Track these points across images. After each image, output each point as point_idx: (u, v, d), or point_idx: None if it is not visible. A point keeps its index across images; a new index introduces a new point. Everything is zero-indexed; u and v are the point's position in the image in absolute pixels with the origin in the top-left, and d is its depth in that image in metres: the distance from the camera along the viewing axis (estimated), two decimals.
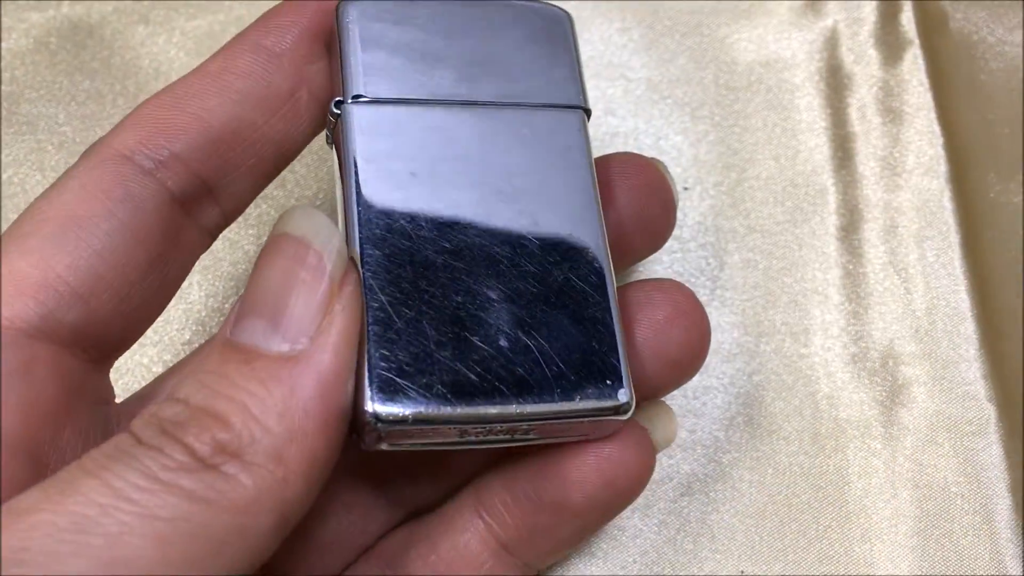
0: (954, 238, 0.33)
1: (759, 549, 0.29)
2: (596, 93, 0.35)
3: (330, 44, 0.23)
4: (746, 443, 0.30)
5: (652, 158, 0.26)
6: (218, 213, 0.23)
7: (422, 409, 0.20)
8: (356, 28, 0.23)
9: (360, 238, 0.21)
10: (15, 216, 0.22)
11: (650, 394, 0.24)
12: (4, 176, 0.32)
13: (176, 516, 0.16)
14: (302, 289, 0.19)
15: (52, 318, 0.20)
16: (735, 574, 0.29)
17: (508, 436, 0.21)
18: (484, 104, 0.23)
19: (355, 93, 0.22)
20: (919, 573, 0.29)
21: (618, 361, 0.22)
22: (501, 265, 0.22)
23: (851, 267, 0.33)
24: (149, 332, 0.26)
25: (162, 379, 0.25)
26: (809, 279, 0.33)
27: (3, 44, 0.34)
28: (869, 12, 0.36)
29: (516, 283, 0.22)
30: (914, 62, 0.36)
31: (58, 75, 0.34)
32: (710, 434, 0.31)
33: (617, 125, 0.35)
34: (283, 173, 0.25)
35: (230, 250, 0.32)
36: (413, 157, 0.22)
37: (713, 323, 0.31)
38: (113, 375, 0.23)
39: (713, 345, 0.28)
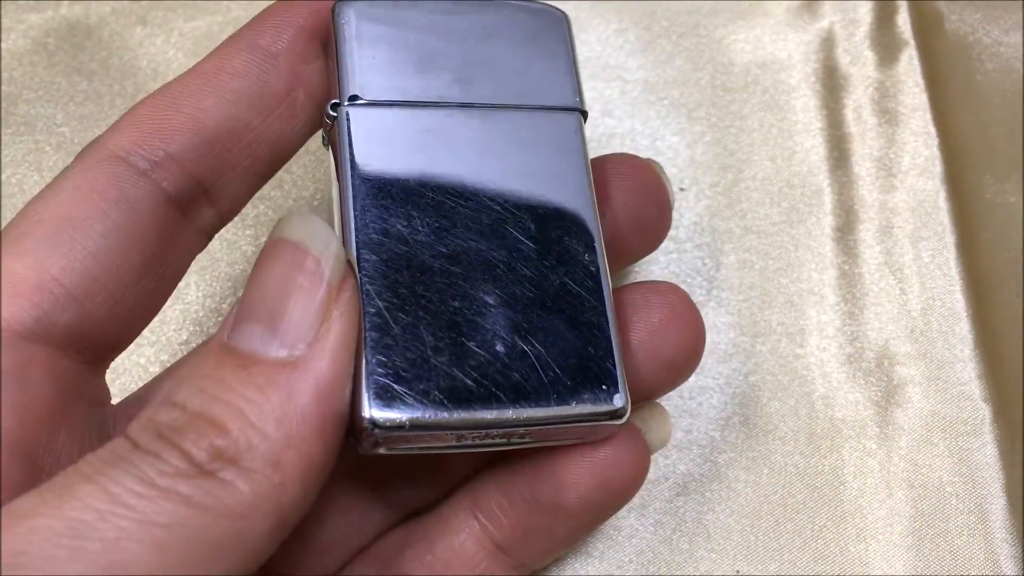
0: (949, 239, 0.33)
1: (755, 549, 0.29)
2: (593, 94, 0.35)
3: (326, 45, 0.23)
4: (742, 443, 0.31)
5: (648, 159, 0.26)
6: (214, 213, 0.23)
7: (419, 415, 0.20)
8: (352, 29, 0.23)
9: (356, 243, 0.21)
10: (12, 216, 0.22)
11: (645, 396, 0.24)
12: (2, 177, 0.32)
13: (173, 522, 0.16)
14: (300, 295, 0.19)
15: (47, 320, 0.20)
16: (731, 574, 0.29)
17: (504, 440, 0.21)
18: (480, 106, 0.23)
19: (351, 96, 0.22)
20: (914, 573, 0.29)
21: (614, 366, 0.22)
22: (497, 269, 0.22)
23: (847, 267, 0.33)
24: (146, 332, 0.26)
25: (159, 380, 0.25)
26: (805, 279, 0.33)
27: (2, 45, 0.34)
28: (865, 13, 0.36)
29: (512, 287, 0.22)
30: (910, 63, 0.36)
31: (56, 76, 0.34)
32: (706, 434, 0.31)
33: (614, 126, 0.35)
34: (280, 174, 0.25)
35: (227, 250, 0.32)
36: (409, 160, 0.22)
37: (709, 323, 0.31)
38: (110, 375, 0.23)
39: (709, 345, 0.28)
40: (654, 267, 0.33)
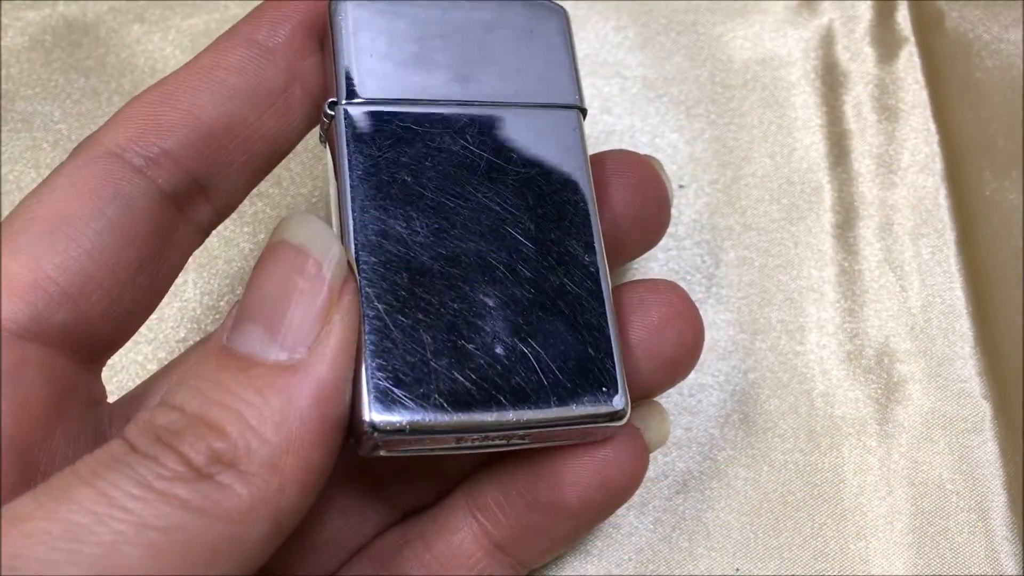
0: (949, 235, 0.33)
1: (754, 547, 0.29)
2: (592, 91, 0.35)
3: (323, 41, 0.23)
4: (741, 440, 0.30)
5: (647, 155, 0.26)
6: (210, 210, 0.23)
7: (419, 418, 0.20)
8: (349, 27, 0.23)
9: (355, 244, 0.21)
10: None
11: (644, 394, 0.24)
12: (0, 174, 0.32)
13: (170, 525, 0.16)
14: (300, 298, 0.19)
15: (42, 318, 0.20)
16: (730, 572, 0.29)
17: (504, 441, 0.21)
18: (479, 104, 0.23)
19: (348, 94, 0.22)
20: (914, 570, 0.29)
21: (613, 367, 0.22)
22: (497, 271, 0.22)
23: (847, 264, 0.33)
24: (144, 330, 0.26)
25: (155, 378, 0.25)
26: (805, 277, 0.33)
27: None
28: (865, 10, 0.36)
29: (512, 289, 0.21)
30: (910, 60, 0.36)
31: (53, 73, 0.34)
32: (705, 432, 0.31)
33: (613, 123, 0.35)
34: (278, 171, 0.25)
35: (225, 248, 0.32)
36: (407, 160, 0.22)
37: (708, 321, 0.31)
38: (107, 373, 0.23)
39: (708, 343, 0.28)
40: (653, 264, 0.33)
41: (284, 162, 0.24)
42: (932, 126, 0.35)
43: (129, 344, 0.23)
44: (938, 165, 0.34)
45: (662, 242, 0.28)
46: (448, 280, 0.21)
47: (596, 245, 0.23)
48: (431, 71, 0.23)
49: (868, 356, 0.32)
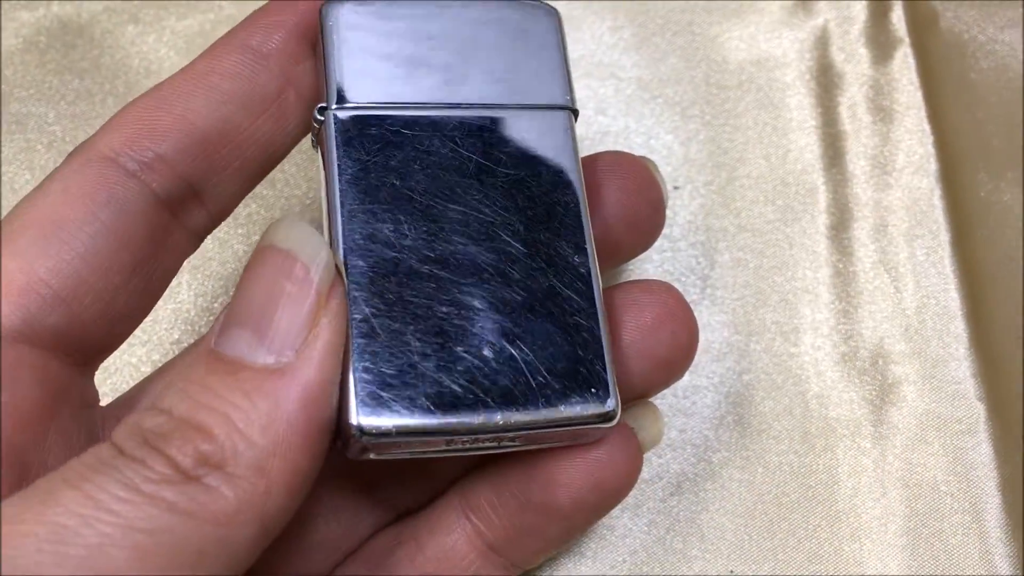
0: (944, 236, 0.33)
1: (748, 548, 0.29)
2: (587, 92, 0.35)
3: (315, 46, 0.23)
4: (736, 442, 0.30)
5: (642, 157, 0.26)
6: (205, 215, 0.23)
7: (406, 421, 0.20)
8: (339, 31, 0.23)
9: (344, 249, 0.21)
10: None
11: (638, 395, 0.24)
12: None
13: (157, 528, 0.16)
14: (288, 302, 0.19)
15: (34, 321, 0.20)
16: (724, 573, 0.29)
17: (495, 443, 0.21)
18: (469, 106, 0.23)
19: (337, 99, 0.22)
20: (908, 572, 0.29)
21: (604, 368, 0.21)
22: (486, 273, 0.21)
23: (841, 266, 0.33)
24: (138, 331, 0.26)
25: (149, 381, 0.25)
26: (799, 278, 0.33)
27: None
28: (860, 11, 0.36)
29: (501, 291, 0.21)
30: (904, 61, 0.36)
31: (48, 74, 0.34)
32: (700, 433, 0.31)
33: (608, 124, 0.35)
34: (272, 172, 0.25)
35: (219, 249, 0.32)
36: (396, 164, 0.22)
37: (703, 322, 0.31)
38: (101, 375, 0.23)
39: (703, 344, 0.28)
40: (648, 266, 0.33)
41: (278, 164, 0.24)
42: (927, 127, 0.35)
43: (123, 346, 0.23)
44: (933, 166, 0.34)
45: (657, 243, 0.28)
46: (436, 283, 0.21)
47: (587, 246, 0.23)
48: (422, 74, 0.23)
49: (862, 358, 0.32)
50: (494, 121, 0.23)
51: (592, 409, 0.21)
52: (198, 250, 0.24)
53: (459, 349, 0.21)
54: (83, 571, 0.15)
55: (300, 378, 0.18)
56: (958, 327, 0.32)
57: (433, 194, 0.22)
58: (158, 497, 0.16)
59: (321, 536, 0.24)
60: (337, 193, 0.21)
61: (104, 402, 0.23)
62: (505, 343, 0.21)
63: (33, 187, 0.21)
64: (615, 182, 0.25)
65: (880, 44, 0.36)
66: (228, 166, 0.23)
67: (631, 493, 0.24)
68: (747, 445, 0.30)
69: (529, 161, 0.23)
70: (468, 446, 0.21)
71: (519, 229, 0.22)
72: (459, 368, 0.20)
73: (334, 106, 0.22)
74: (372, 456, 0.20)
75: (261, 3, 0.24)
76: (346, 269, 0.21)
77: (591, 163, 0.25)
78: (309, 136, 0.24)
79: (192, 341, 0.31)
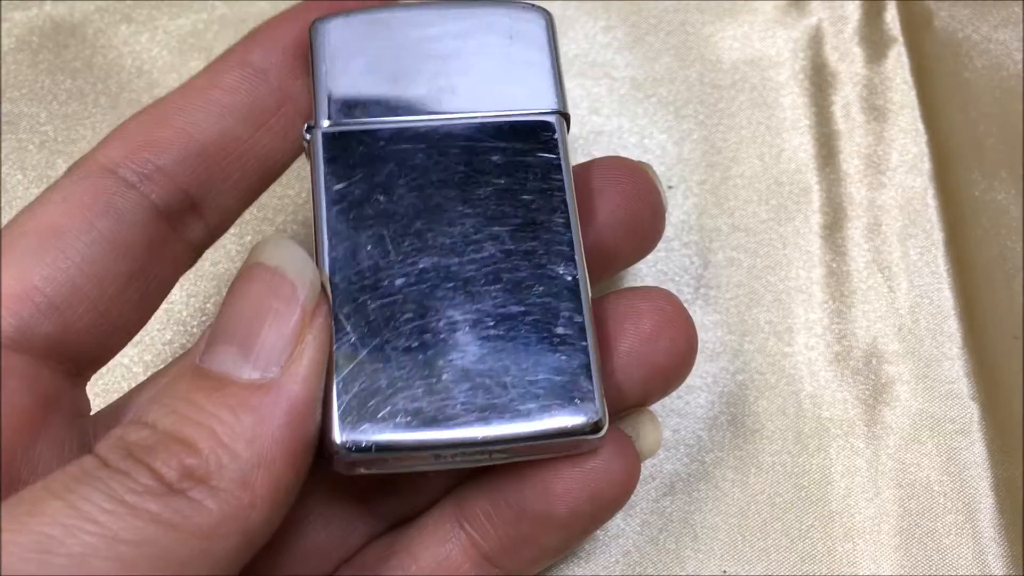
0: (938, 236, 0.33)
1: (742, 548, 0.29)
2: (580, 92, 0.35)
3: (306, 64, 0.24)
4: (729, 442, 0.30)
5: (641, 162, 0.26)
6: (203, 227, 0.23)
7: (387, 437, 0.20)
8: (327, 50, 0.23)
9: (328, 267, 0.21)
10: None
11: (637, 403, 0.24)
12: None
13: (141, 539, 0.16)
14: (275, 319, 0.19)
15: (27, 329, 0.20)
16: (718, 574, 0.29)
17: (486, 456, 0.21)
18: (457, 117, 0.23)
19: (324, 118, 0.22)
20: (902, 572, 0.29)
21: (589, 379, 0.21)
22: (471, 287, 0.21)
23: (835, 265, 0.33)
24: None
25: (139, 389, 0.25)
26: (793, 277, 0.33)
27: None
28: (853, 10, 0.36)
29: (486, 305, 0.21)
30: (898, 60, 0.36)
31: (40, 74, 0.34)
32: (693, 433, 0.31)
33: (601, 124, 0.35)
34: None
35: (212, 250, 0.32)
36: (382, 179, 0.22)
37: (697, 322, 0.31)
38: (93, 376, 0.23)
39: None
40: (642, 266, 0.33)
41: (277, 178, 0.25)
42: (920, 126, 0.35)
43: None
44: (926, 165, 0.34)
45: None
46: (421, 299, 0.21)
47: (575, 256, 0.22)
48: (410, 87, 0.23)
49: (856, 357, 0.32)
50: (482, 131, 0.23)
51: (577, 420, 0.21)
52: None
53: (441, 364, 0.21)
54: None
55: (285, 394, 0.18)
56: (952, 326, 0.32)
57: (418, 208, 0.22)
58: (142, 509, 0.16)
59: (313, 545, 0.24)
60: (323, 212, 0.22)
61: (95, 402, 0.23)
62: (488, 357, 0.21)
63: (26, 187, 0.22)
64: (615, 187, 0.25)
65: (874, 43, 0.36)
66: (227, 179, 0.23)
67: None
68: (740, 445, 0.30)
69: (517, 169, 0.23)
70: (458, 460, 0.21)
71: (505, 240, 0.22)
72: (441, 383, 0.20)
73: (323, 123, 0.22)
74: (363, 471, 0.20)
75: (253, 3, 0.24)
76: (331, 286, 0.21)
77: (589, 168, 0.25)
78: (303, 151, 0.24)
79: (184, 341, 0.31)
